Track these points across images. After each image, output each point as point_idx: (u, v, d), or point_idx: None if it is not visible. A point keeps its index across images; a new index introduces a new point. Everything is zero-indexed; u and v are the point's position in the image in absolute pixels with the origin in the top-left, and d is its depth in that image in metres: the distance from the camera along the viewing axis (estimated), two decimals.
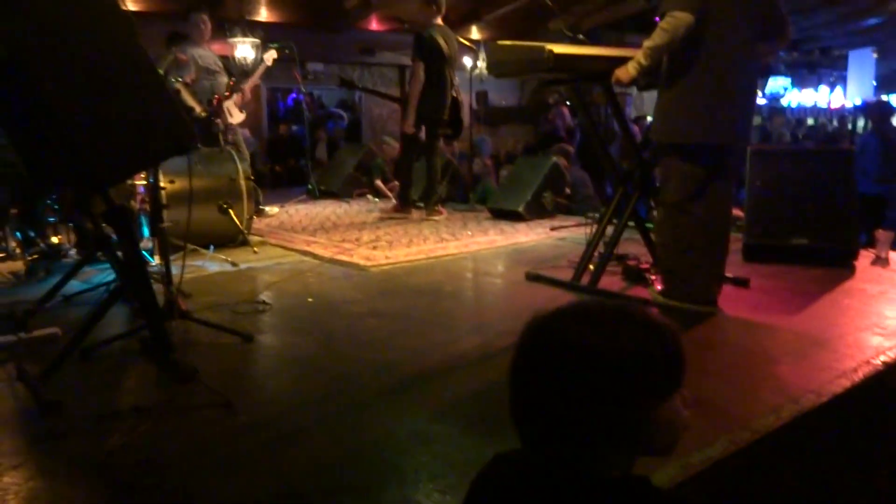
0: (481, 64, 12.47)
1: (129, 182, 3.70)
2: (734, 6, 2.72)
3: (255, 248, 4.55)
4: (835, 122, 17.00)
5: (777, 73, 18.00)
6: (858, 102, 15.57)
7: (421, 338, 2.81)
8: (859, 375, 2.28)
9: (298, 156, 10.15)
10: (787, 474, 1.97)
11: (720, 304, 3.06)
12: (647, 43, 2.73)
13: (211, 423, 1.99)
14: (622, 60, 2.96)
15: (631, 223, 3.67)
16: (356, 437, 1.93)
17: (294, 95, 12.99)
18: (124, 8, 2.08)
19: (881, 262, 4.04)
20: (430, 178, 5.86)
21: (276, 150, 10.96)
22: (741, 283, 3.46)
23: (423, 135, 5.72)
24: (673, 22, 2.63)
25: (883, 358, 2.43)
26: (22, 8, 1.85)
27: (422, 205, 5.96)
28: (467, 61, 12.31)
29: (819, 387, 2.17)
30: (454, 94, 5.66)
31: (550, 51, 2.91)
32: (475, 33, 12.02)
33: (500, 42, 3.17)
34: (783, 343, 2.68)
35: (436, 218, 5.75)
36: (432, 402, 2.17)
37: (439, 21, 5.52)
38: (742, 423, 1.92)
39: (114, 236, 2.60)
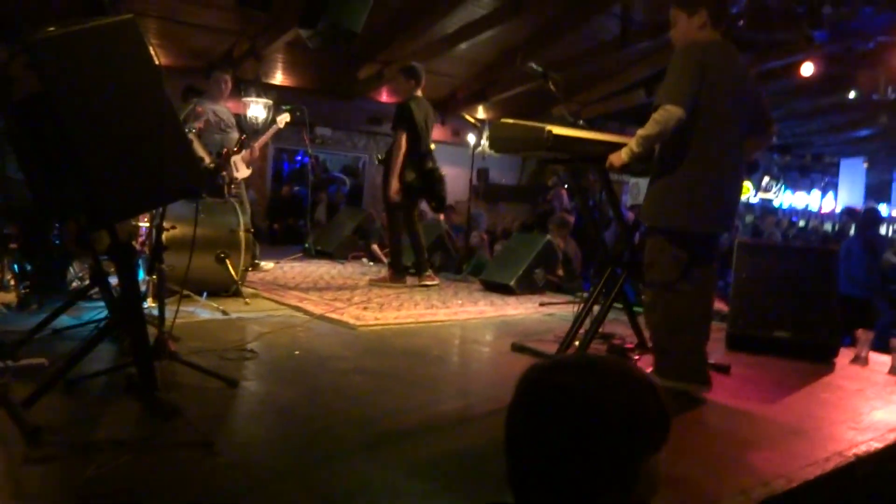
0: (484, 142, 12.86)
1: (133, 222, 3.79)
2: (726, 101, 2.88)
3: (248, 300, 4.60)
4: (836, 226, 17.28)
5: (770, 174, 18.54)
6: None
7: (404, 397, 2.84)
8: (830, 465, 2.32)
9: (298, 216, 10.31)
10: None
11: None
12: (640, 132, 2.88)
13: (189, 462, 2.01)
14: (616, 146, 3.10)
15: (619, 305, 3.76)
16: (330, 485, 1.94)
17: (301, 157, 13.30)
18: (156, 60, 2.21)
19: (860, 360, 4.10)
20: (415, 245, 5.93)
21: (277, 208, 11.14)
22: (722, 369, 3.51)
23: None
24: (665, 115, 2.78)
25: (855, 451, 2.47)
26: (64, 43, 1.97)
27: (413, 271, 6.03)
28: (471, 138, 12.70)
29: (790, 473, 2.20)
30: (431, 165, 5.74)
31: (550, 131, 3.07)
32: (481, 112, 12.44)
33: (503, 120, 3.34)
34: (759, 429, 2.72)
35: (428, 283, 5.81)
36: (410, 458, 2.19)
37: (419, 93, 5.73)
38: (712, 501, 1.95)
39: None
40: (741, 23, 9.57)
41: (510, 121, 3.29)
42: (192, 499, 1.79)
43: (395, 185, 5.57)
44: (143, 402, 2.48)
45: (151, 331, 2.83)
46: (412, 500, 1.86)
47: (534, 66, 4.26)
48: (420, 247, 5.93)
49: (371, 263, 7.34)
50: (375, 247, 7.80)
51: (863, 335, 4.26)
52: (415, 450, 2.28)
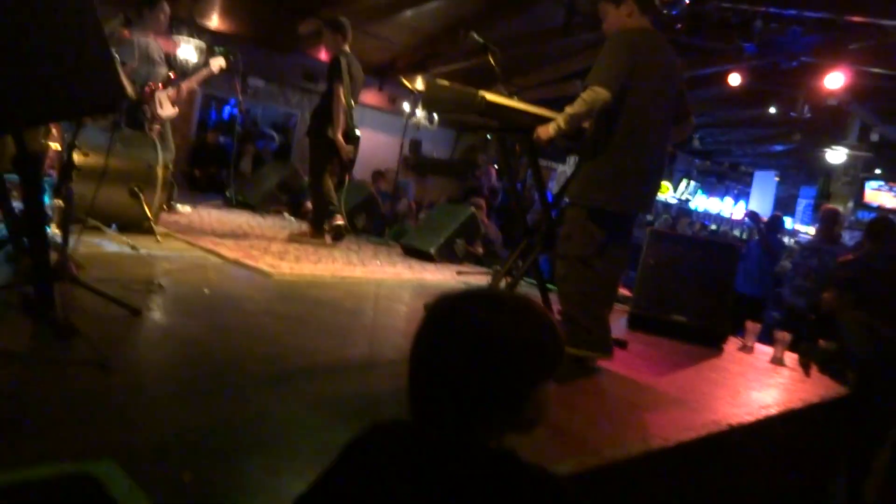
0: (419, 112, 12.84)
1: (44, 142, 3.60)
2: (654, 86, 3.00)
3: (159, 238, 4.47)
4: (743, 233, 18.01)
5: (689, 177, 19.33)
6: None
7: (312, 340, 2.86)
8: (705, 431, 2.50)
9: (221, 165, 10.02)
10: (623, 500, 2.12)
11: None
12: (568, 109, 2.97)
13: (82, 378, 1.97)
14: (545, 120, 3.18)
15: (532, 280, 3.87)
16: (229, 411, 1.95)
17: (231, 109, 12.89)
18: None
19: (746, 349, 4.40)
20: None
21: (201, 156, 10.77)
22: (620, 344, 3.68)
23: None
24: (592, 96, 2.88)
25: (728, 422, 2.67)
26: None
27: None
28: (406, 107, 12.64)
29: (669, 434, 2.36)
30: (350, 124, 5.67)
31: (483, 96, 3.11)
32: (420, 83, 12.39)
33: (439, 80, 3.36)
34: (646, 396, 2.89)
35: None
36: (312, 394, 2.22)
37: (346, 48, 5.66)
38: (593, 451, 2.08)
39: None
40: (678, 26, 9.90)
41: (445, 82, 3.31)
42: (82, 412, 1.76)
43: (340, 139, 5.50)
44: (38, 321, 2.40)
45: (53, 257, 2.74)
46: (310, 430, 1.89)
47: (475, 35, 4.28)
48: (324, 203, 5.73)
49: (292, 219, 7.24)
50: (308, 204, 7.68)
51: (751, 327, 4.57)
52: (318, 387, 2.31)
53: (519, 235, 3.67)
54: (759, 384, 3.51)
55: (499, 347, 1.05)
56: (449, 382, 1.06)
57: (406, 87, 8.38)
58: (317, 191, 5.73)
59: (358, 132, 5.76)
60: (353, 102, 5.64)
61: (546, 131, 3.13)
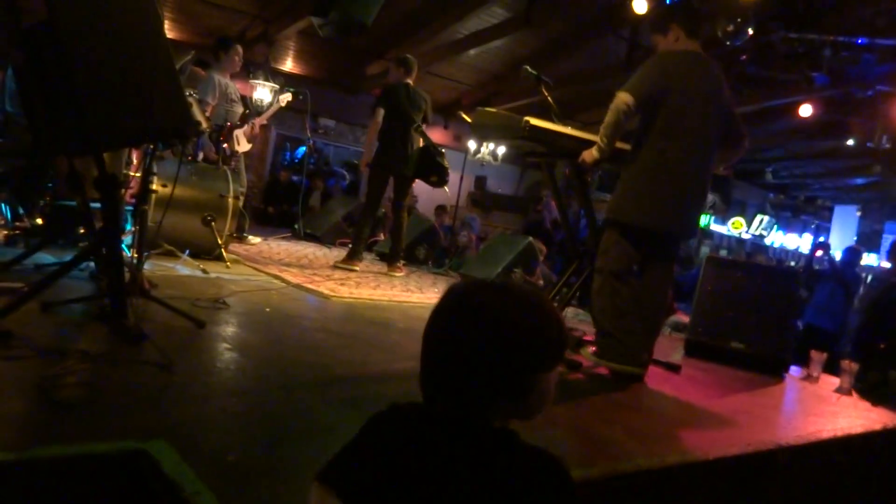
0: (484, 150, 13.06)
1: (125, 171, 3.94)
2: (693, 108, 3.04)
3: (229, 264, 4.74)
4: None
5: (764, 212, 18.75)
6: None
7: (361, 354, 2.98)
8: (749, 449, 2.46)
9: (293, 203, 10.47)
10: None
11: (647, 381, 3.26)
12: (603, 124, 3.06)
13: (148, 375, 2.15)
14: (590, 144, 3.27)
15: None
16: (275, 406, 2.09)
17: (304, 149, 13.48)
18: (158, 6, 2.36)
19: (811, 379, 4.26)
20: (395, 232, 5.95)
21: (273, 193, 11.29)
22: (673, 367, 3.67)
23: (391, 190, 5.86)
24: (615, 102, 2.98)
25: (776, 442, 2.61)
26: None
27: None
28: (471, 145, 12.90)
29: (709, 448, 2.34)
30: (424, 142, 5.73)
31: (527, 121, 3.24)
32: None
33: (485, 108, 3.51)
34: (692, 415, 2.87)
35: (396, 274, 5.82)
36: (356, 396, 2.33)
37: (409, 81, 5.80)
38: (627, 457, 2.10)
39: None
40: (743, 57, 9.80)
41: (491, 109, 3.45)
42: (144, 401, 1.93)
43: (366, 155, 5.69)
44: (113, 328, 2.62)
45: (128, 275, 2.98)
46: (351, 424, 1.99)
47: (528, 69, 4.43)
48: (399, 235, 5.93)
49: None
50: (381, 234, 7.93)
51: (816, 356, 4.42)
52: (362, 391, 2.42)
53: (566, 253, 3.72)
54: (818, 410, 3.40)
55: (506, 333, 1.13)
56: (458, 363, 1.14)
57: (467, 122, 8.58)
58: (359, 220, 5.92)
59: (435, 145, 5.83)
60: (417, 132, 5.75)
61: (591, 154, 3.21)
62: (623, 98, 2.93)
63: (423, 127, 5.75)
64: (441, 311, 1.21)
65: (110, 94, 2.24)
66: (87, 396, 1.87)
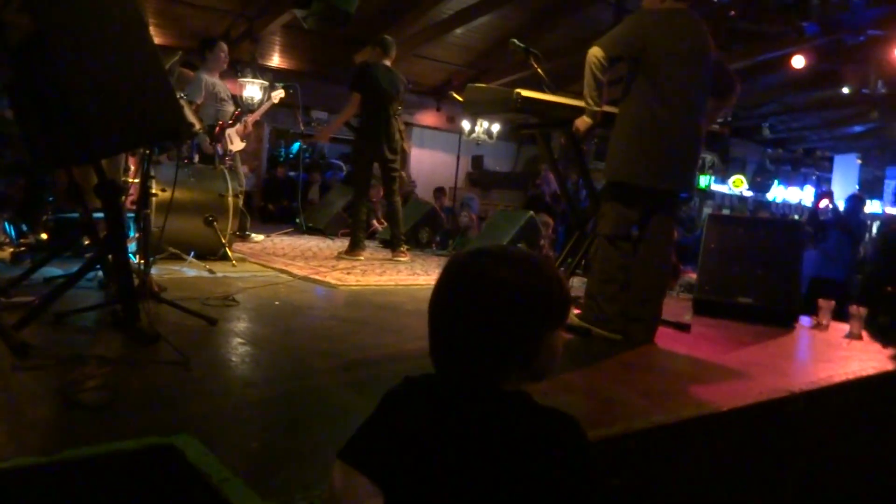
0: (479, 129, 13.03)
1: (123, 178, 3.96)
2: (678, 64, 3.04)
3: (234, 263, 4.77)
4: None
5: (764, 169, 18.67)
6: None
7: (373, 337, 3.02)
8: (763, 398, 2.49)
9: (292, 198, 10.48)
10: (674, 464, 2.16)
11: (658, 341, 3.28)
12: (584, 85, 3.08)
13: (166, 373, 2.18)
14: (583, 111, 3.27)
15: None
16: (290, 392, 2.14)
17: (298, 144, 13.46)
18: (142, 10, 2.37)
19: (821, 327, 4.28)
20: (392, 217, 5.92)
21: (271, 190, 11.30)
22: (682, 327, 3.69)
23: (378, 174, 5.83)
24: (588, 57, 3.01)
25: (790, 389, 2.64)
26: None
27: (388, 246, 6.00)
28: (465, 125, 12.86)
29: (722, 401, 2.37)
30: (397, 128, 5.69)
31: (518, 93, 3.24)
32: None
33: (476, 84, 3.51)
34: (703, 371, 2.89)
35: (400, 259, 5.80)
36: (376, 379, 2.37)
37: (387, 62, 5.73)
38: (643, 415, 2.13)
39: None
40: (732, 13, 9.72)
41: (482, 84, 3.46)
42: (166, 398, 1.97)
43: (329, 130, 5.86)
44: (127, 332, 2.66)
45: (136, 281, 3.01)
46: (367, 404, 2.03)
47: (516, 42, 4.40)
48: (396, 220, 5.89)
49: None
50: (375, 223, 7.96)
51: (824, 304, 4.43)
52: (375, 371, 2.47)
53: (568, 224, 3.74)
54: (829, 356, 3.42)
55: (508, 295, 1.15)
56: (464, 330, 1.16)
57: (459, 102, 8.55)
58: (353, 209, 5.90)
59: (404, 146, 5.83)
60: (395, 117, 5.71)
61: (583, 121, 3.22)
62: (594, 52, 2.96)
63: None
64: (443, 283, 1.22)
65: (103, 102, 2.26)
66: (108, 398, 1.90)
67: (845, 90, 12.42)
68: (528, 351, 1.17)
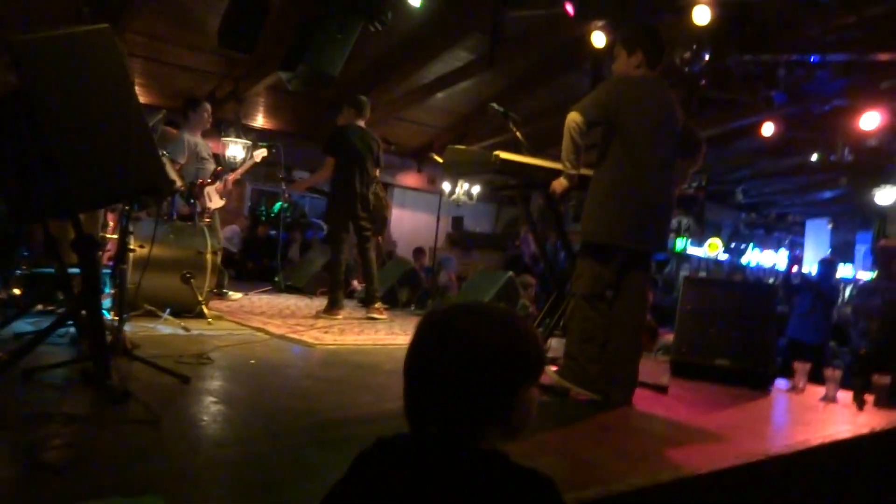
0: (459, 190, 13.20)
1: (101, 234, 3.94)
2: (648, 129, 3.14)
3: (210, 321, 4.72)
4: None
5: (739, 233, 19.03)
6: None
7: (349, 397, 2.98)
8: (739, 461, 2.48)
9: (272, 257, 10.44)
10: None
11: (635, 402, 3.27)
12: (562, 149, 3.16)
13: (135, 432, 2.13)
14: (560, 173, 3.34)
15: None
16: (262, 451, 2.08)
17: (280, 204, 13.49)
18: (128, 67, 2.41)
19: (798, 390, 4.30)
20: (366, 274, 5.91)
21: (252, 248, 11.26)
22: (660, 388, 3.69)
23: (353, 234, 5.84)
24: (567, 121, 3.11)
25: (766, 453, 2.64)
26: (44, 45, 2.18)
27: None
28: (446, 186, 13.02)
29: (700, 463, 2.36)
30: (375, 192, 5.81)
31: (497, 155, 3.32)
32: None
33: (456, 146, 3.59)
34: (680, 433, 2.88)
35: (375, 316, 5.75)
36: (352, 439, 2.32)
37: (360, 123, 5.83)
38: (620, 478, 2.11)
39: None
40: (703, 82, 10.08)
41: (462, 147, 3.53)
42: (133, 457, 1.92)
43: (299, 187, 5.78)
44: (97, 390, 2.60)
45: (109, 337, 2.97)
46: (342, 463, 1.99)
47: (495, 105, 4.52)
48: (370, 277, 5.86)
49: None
50: (355, 282, 7.94)
51: (800, 367, 4.46)
52: (350, 431, 2.43)
53: (547, 284, 3.77)
54: (806, 419, 3.44)
55: (483, 352, 1.15)
56: (439, 388, 1.16)
57: (440, 163, 8.69)
58: (330, 268, 5.89)
59: (385, 213, 5.90)
60: (372, 176, 5.81)
61: (560, 183, 3.29)
62: (573, 117, 3.06)
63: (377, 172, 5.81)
64: (417, 341, 1.22)
65: (85, 157, 2.28)
66: (74, 457, 1.85)
67: (814, 157, 12.79)
68: (502, 407, 1.16)
